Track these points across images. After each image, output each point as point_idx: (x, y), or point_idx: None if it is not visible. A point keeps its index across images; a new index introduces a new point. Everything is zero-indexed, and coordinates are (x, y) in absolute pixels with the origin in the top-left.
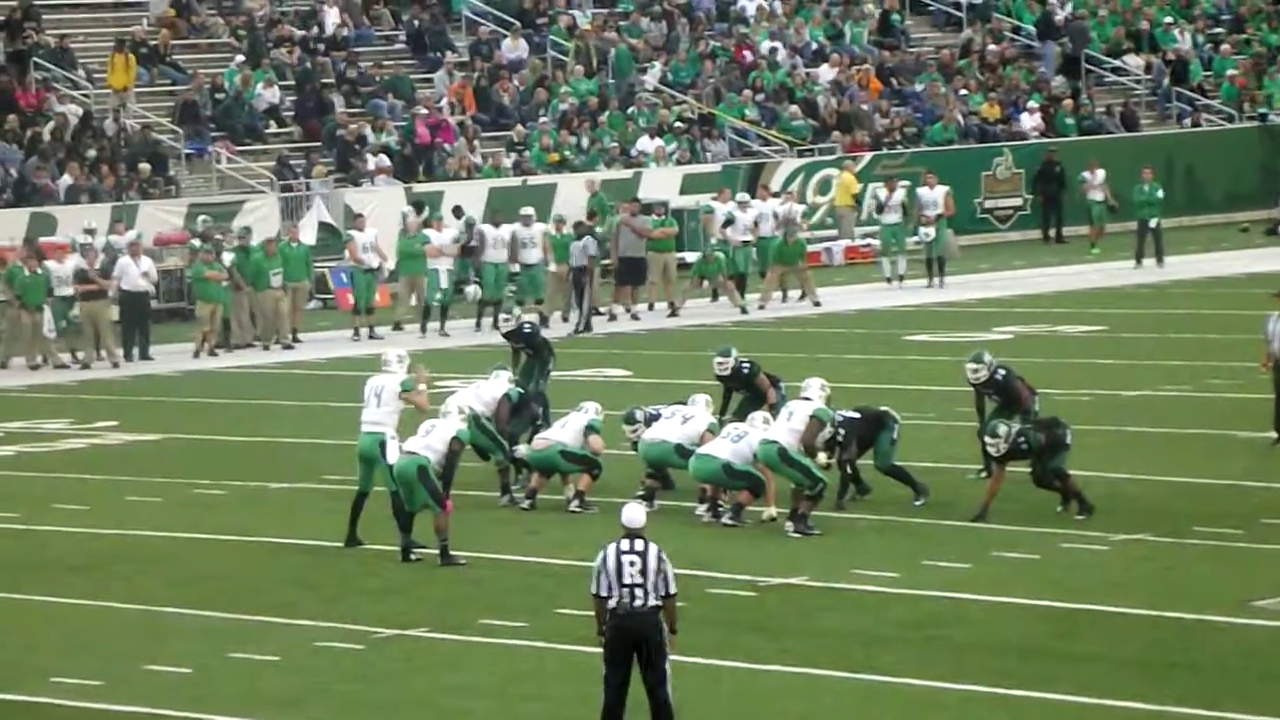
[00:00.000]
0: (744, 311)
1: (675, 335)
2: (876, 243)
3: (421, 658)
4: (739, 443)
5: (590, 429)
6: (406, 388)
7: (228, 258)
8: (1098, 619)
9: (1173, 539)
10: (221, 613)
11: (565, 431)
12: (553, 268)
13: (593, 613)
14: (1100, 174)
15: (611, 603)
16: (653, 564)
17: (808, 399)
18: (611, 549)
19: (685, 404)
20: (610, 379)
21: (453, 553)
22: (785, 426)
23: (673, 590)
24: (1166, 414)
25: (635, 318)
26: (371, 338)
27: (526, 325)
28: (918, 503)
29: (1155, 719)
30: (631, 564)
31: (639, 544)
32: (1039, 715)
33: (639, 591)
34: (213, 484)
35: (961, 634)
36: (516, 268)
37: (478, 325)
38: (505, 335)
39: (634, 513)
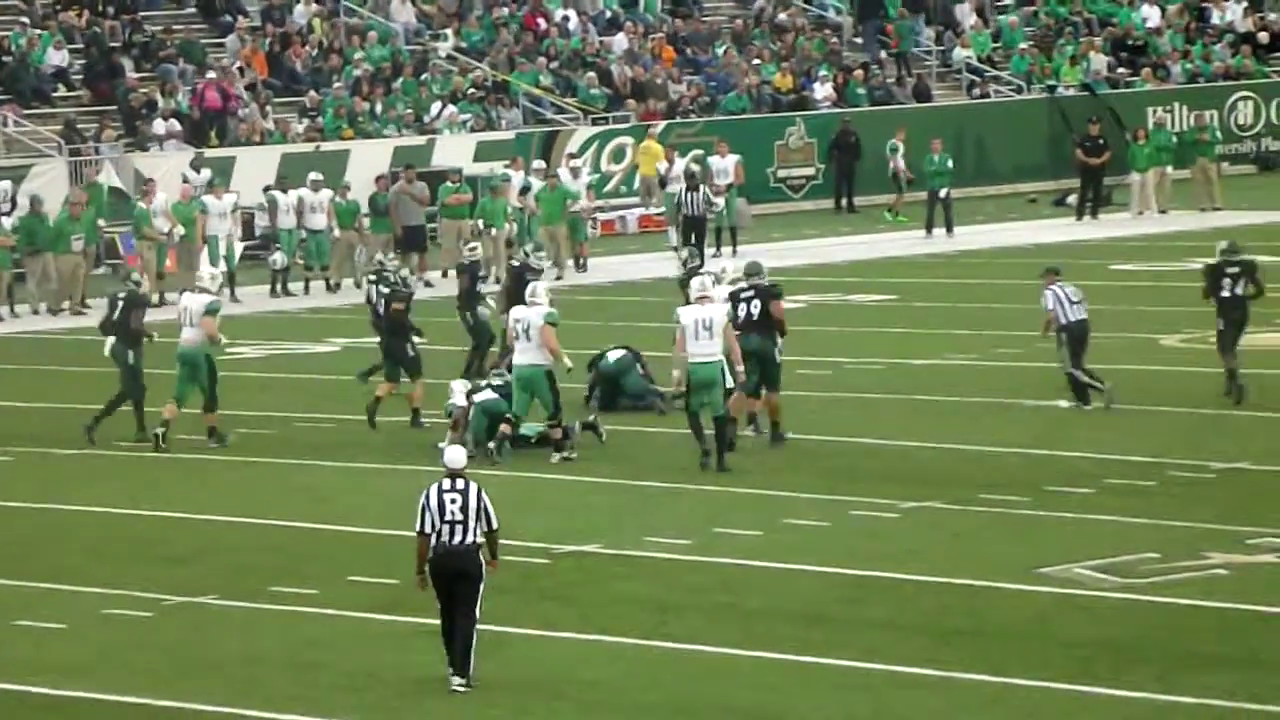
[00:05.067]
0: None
1: None
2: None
3: (211, 626)
4: None
5: None
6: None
7: (6, 222)
8: (886, 586)
9: (960, 506)
10: (7, 580)
11: None
12: (337, 234)
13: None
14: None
15: (434, 540)
16: (473, 501)
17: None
18: (434, 488)
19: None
20: None
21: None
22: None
23: (495, 525)
24: (955, 382)
25: (428, 284)
26: (161, 304)
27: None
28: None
29: (941, 684)
30: (453, 501)
31: (459, 483)
32: (828, 681)
33: (459, 529)
34: None
35: (753, 601)
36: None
37: (273, 291)
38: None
39: (455, 454)
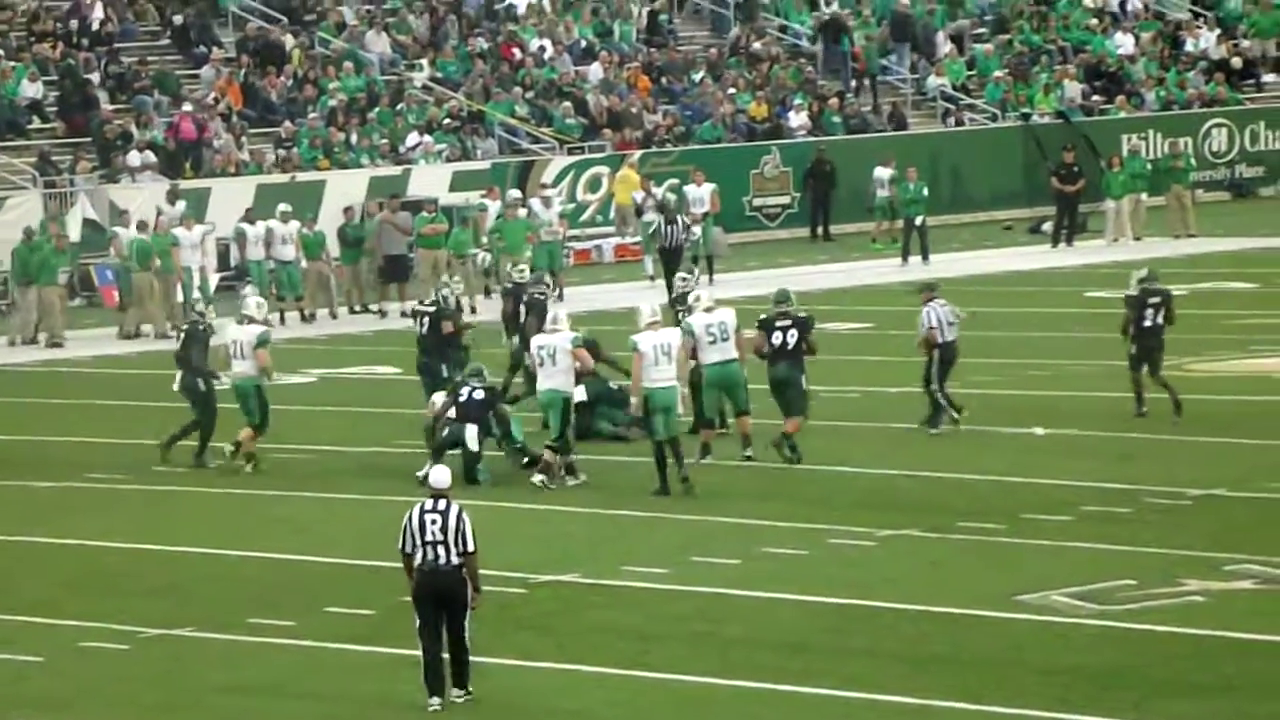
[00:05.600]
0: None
1: None
2: None
3: (189, 658)
4: None
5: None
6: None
7: None
8: (864, 614)
9: (938, 534)
10: None
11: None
12: (304, 264)
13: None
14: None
15: (417, 559)
16: (452, 523)
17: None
18: (416, 508)
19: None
20: (380, 376)
21: None
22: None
23: (470, 548)
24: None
25: (405, 314)
26: (137, 335)
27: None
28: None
29: (920, 713)
30: (433, 522)
31: (441, 504)
32: (807, 709)
33: (440, 549)
34: None
35: (731, 630)
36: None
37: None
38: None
39: (440, 474)
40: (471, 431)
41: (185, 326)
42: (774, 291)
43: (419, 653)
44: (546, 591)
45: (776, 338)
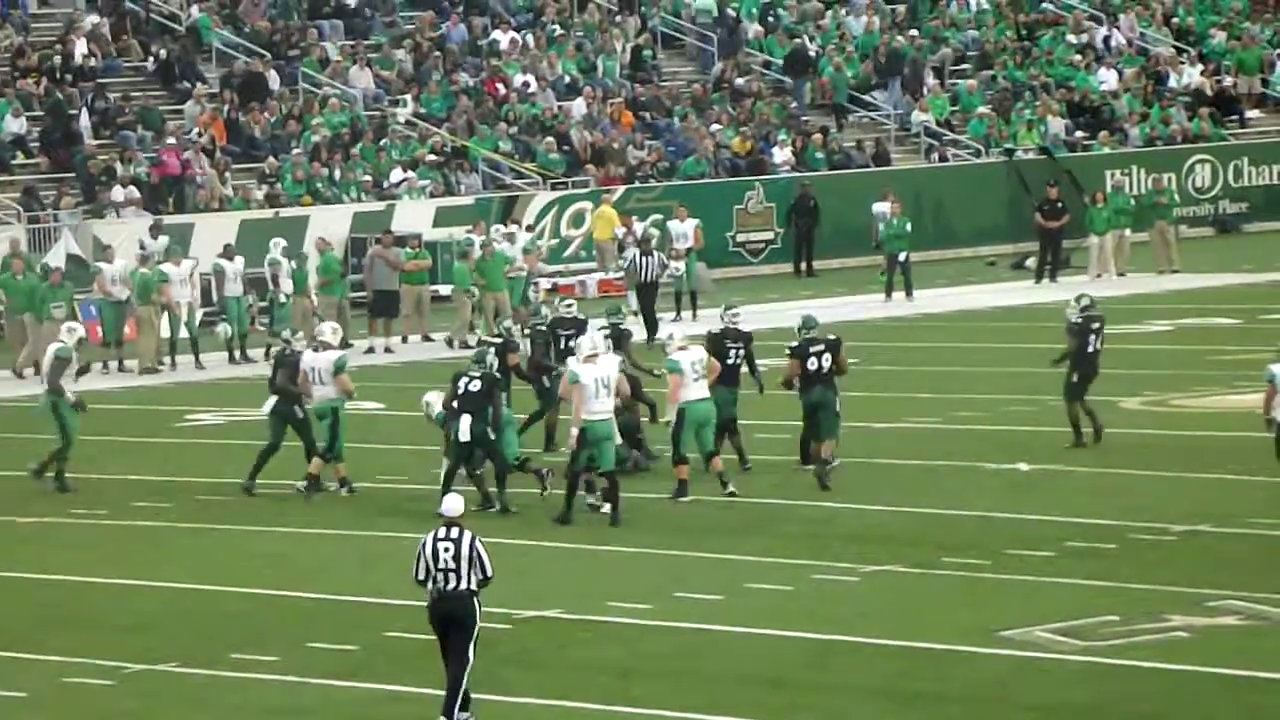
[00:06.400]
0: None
1: (429, 368)
2: None
3: (172, 693)
4: None
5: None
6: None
7: None
8: (847, 649)
9: (921, 570)
10: None
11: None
12: (283, 299)
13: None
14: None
15: (428, 585)
16: (465, 551)
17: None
18: (430, 536)
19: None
20: (363, 412)
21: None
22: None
23: (489, 574)
24: (915, 446)
25: (389, 350)
26: (121, 370)
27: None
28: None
29: None
30: (446, 550)
31: (454, 531)
32: None
33: (452, 576)
34: None
35: (714, 665)
36: (271, 298)
37: (230, 358)
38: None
39: (452, 502)
40: (465, 423)
41: (274, 354)
42: (801, 319)
43: (400, 688)
44: (530, 627)
45: (812, 364)
